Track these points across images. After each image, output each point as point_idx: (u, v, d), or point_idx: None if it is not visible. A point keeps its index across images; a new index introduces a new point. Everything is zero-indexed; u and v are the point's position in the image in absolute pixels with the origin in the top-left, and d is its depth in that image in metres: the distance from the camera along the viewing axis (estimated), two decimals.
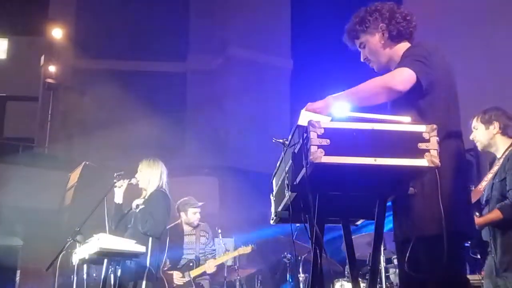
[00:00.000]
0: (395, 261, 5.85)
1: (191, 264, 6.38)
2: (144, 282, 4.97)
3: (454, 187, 2.49)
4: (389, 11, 2.75)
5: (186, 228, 6.62)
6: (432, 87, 2.52)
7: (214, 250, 6.69)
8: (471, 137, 3.99)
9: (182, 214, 6.61)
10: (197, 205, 6.60)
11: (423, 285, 2.46)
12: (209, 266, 6.31)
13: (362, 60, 2.85)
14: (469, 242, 3.59)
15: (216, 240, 6.87)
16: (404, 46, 2.73)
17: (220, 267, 6.53)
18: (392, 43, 2.75)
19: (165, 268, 6.37)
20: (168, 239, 6.24)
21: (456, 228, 2.41)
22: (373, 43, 2.77)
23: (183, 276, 6.32)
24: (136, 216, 5.17)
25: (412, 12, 2.79)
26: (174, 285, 6.31)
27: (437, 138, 2.11)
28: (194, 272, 6.32)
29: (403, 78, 2.44)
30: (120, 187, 5.23)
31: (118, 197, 5.27)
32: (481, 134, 3.96)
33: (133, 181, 5.27)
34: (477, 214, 3.78)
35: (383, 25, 2.74)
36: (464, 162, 2.61)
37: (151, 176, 5.33)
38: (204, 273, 6.37)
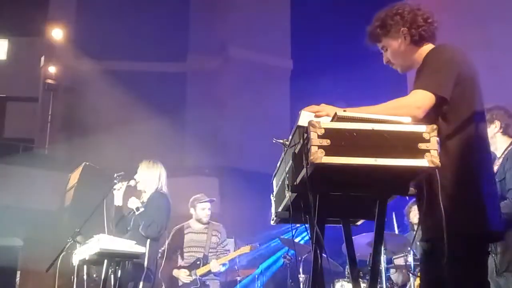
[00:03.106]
0: (395, 262, 5.85)
1: (198, 262, 6.36)
2: (141, 283, 4.97)
3: (479, 184, 2.47)
4: (410, 14, 2.69)
5: (197, 226, 6.58)
6: (454, 92, 2.49)
7: (228, 250, 6.62)
8: None
9: (192, 210, 6.60)
10: (205, 200, 6.58)
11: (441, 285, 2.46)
12: (214, 266, 6.30)
13: (384, 63, 2.81)
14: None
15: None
16: (427, 48, 2.68)
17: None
18: (415, 47, 2.70)
19: (177, 266, 6.47)
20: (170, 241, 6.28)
21: (476, 228, 2.42)
22: (395, 47, 2.72)
23: (190, 275, 6.32)
24: (136, 219, 5.17)
25: (432, 12, 2.73)
26: (181, 283, 6.34)
27: (437, 138, 2.11)
28: (200, 271, 6.31)
29: (422, 106, 2.40)
30: (119, 189, 5.23)
31: (118, 200, 5.26)
32: None
33: (132, 182, 5.26)
34: None
35: (404, 29, 2.68)
36: (489, 161, 2.60)
37: (149, 177, 5.32)
38: (212, 273, 6.35)
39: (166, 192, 5.36)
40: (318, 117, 2.31)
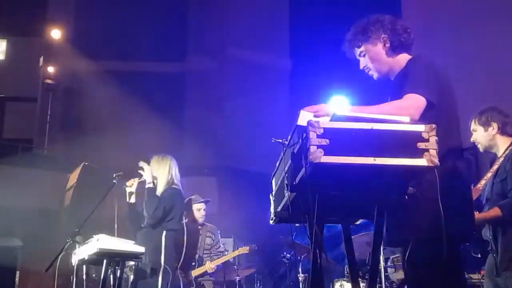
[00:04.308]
0: (395, 261, 5.86)
1: (193, 263, 6.36)
2: (160, 281, 4.91)
3: (455, 190, 2.52)
4: (390, 23, 2.82)
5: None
6: (438, 100, 2.57)
7: (221, 252, 6.62)
8: (472, 140, 4.01)
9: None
10: (199, 200, 6.56)
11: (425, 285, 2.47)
12: (209, 267, 6.30)
13: (361, 68, 2.91)
14: (468, 244, 3.61)
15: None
16: (404, 57, 2.81)
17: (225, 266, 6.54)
18: (393, 53, 2.82)
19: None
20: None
21: (453, 230, 2.43)
22: (375, 52, 2.83)
23: (185, 276, 6.31)
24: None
25: (410, 26, 2.86)
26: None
27: (437, 138, 2.12)
28: (195, 272, 6.31)
29: (418, 108, 2.48)
30: (131, 186, 5.16)
31: (130, 197, 5.21)
32: (481, 136, 3.97)
33: (143, 178, 5.17)
34: (477, 212, 3.78)
35: (385, 35, 2.81)
36: (465, 166, 2.67)
37: (159, 172, 5.21)
38: (206, 274, 6.34)
39: (178, 186, 5.24)
40: (317, 117, 2.32)
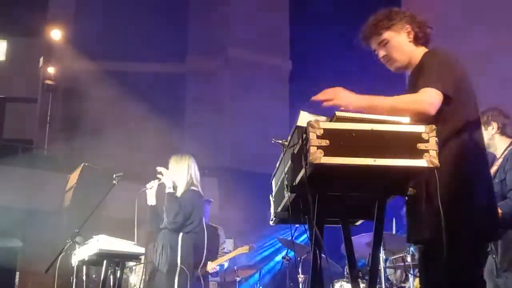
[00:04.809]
0: (394, 262, 5.85)
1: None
2: (176, 282, 4.88)
3: (474, 187, 2.49)
4: (410, 16, 2.77)
5: None
6: (455, 94, 2.52)
7: (227, 253, 6.61)
8: None
9: None
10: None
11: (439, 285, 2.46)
12: (210, 266, 6.29)
13: (380, 57, 2.79)
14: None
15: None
16: (422, 50, 2.73)
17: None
18: (414, 45, 2.75)
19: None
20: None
21: (471, 228, 2.42)
22: (398, 41, 2.73)
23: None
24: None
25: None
26: None
27: (437, 138, 2.11)
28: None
29: (434, 103, 2.42)
30: (151, 188, 5.07)
31: (151, 199, 5.11)
32: None
33: (163, 181, 5.06)
34: None
35: (408, 26, 2.74)
36: (485, 162, 2.62)
37: (177, 173, 5.10)
38: (208, 274, 6.32)
39: (197, 187, 5.14)
40: (326, 105, 2.33)
